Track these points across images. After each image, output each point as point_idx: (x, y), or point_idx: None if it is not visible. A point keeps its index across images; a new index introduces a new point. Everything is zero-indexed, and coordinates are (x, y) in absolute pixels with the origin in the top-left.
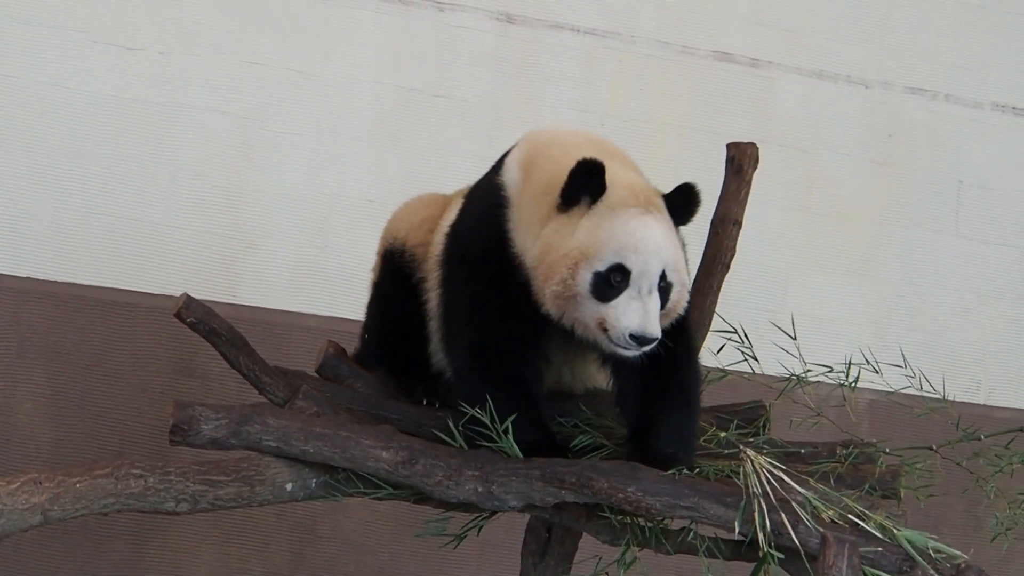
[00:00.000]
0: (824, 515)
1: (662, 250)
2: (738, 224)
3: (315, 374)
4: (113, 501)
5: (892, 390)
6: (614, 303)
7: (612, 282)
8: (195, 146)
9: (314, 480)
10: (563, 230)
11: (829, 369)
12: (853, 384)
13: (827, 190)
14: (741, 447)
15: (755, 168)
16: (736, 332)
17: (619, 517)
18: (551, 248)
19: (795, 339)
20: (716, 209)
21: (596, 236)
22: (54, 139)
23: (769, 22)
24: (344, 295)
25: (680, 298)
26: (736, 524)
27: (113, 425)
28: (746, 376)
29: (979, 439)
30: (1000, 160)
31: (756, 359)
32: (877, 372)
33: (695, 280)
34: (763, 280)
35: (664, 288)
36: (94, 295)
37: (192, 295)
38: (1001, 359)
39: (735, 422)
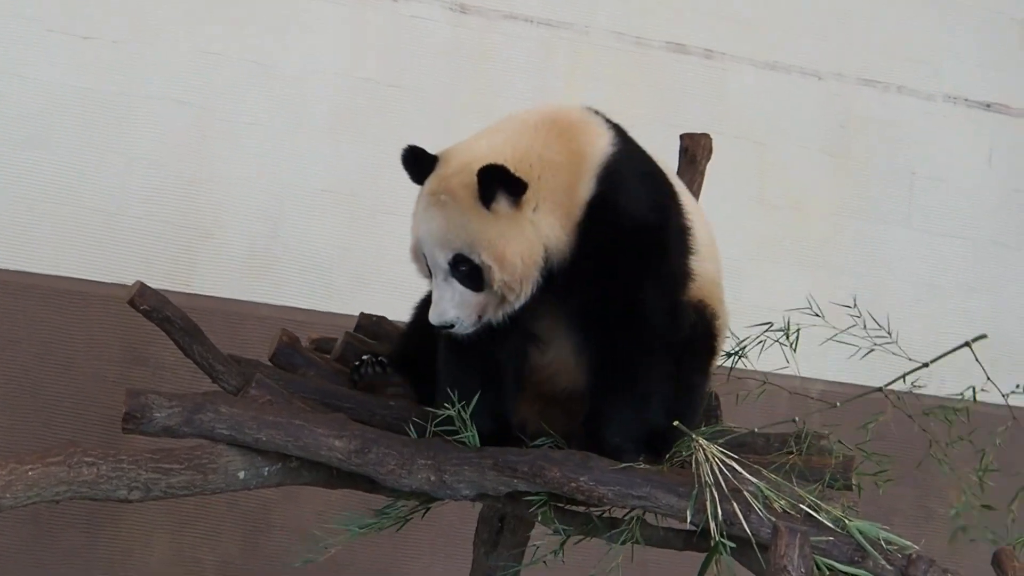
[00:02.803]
0: (776, 505)
1: (443, 239)
2: None
3: (269, 363)
4: (65, 489)
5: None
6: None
7: (426, 267)
8: (150, 135)
9: (267, 468)
10: None
11: (769, 325)
12: (795, 334)
13: (781, 181)
14: (693, 436)
15: (708, 159)
16: None
17: (570, 506)
18: None
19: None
20: None
21: (412, 224)
22: (7, 127)
23: (723, 13)
24: (298, 284)
25: (503, 276)
26: (688, 513)
27: (65, 413)
28: None
29: (926, 365)
30: (953, 152)
31: None
32: (820, 316)
33: None
34: None
35: (469, 271)
36: (47, 284)
37: (146, 284)
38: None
39: None
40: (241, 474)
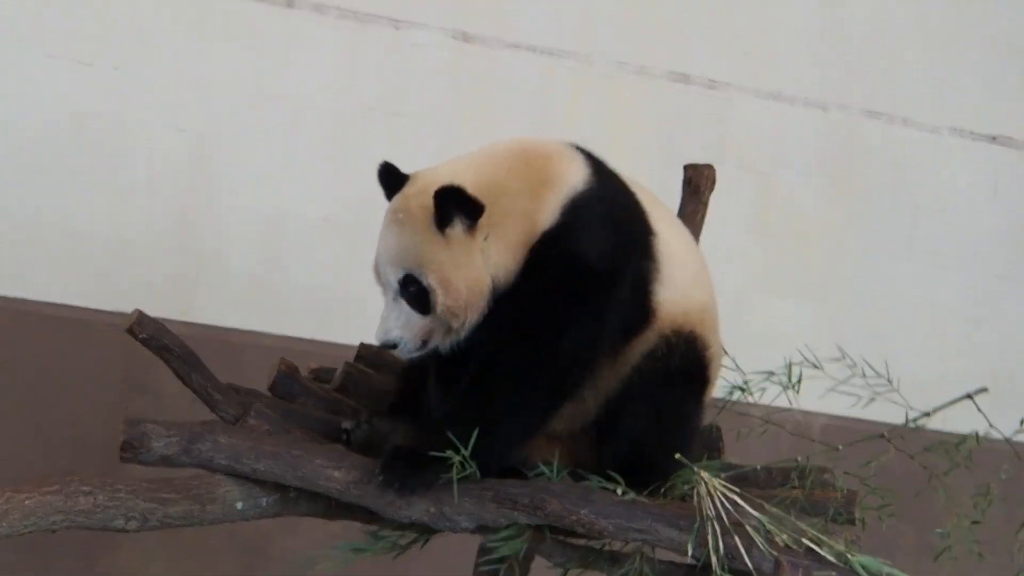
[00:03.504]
0: (778, 539)
1: (395, 257)
2: None
3: (267, 392)
4: (62, 518)
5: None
6: None
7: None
8: (149, 161)
9: (265, 499)
10: None
11: (771, 374)
12: (796, 385)
13: (783, 212)
14: (695, 469)
15: (712, 189)
16: None
17: (570, 539)
18: None
19: (726, 354)
20: None
21: None
22: (5, 152)
23: (727, 43)
24: (298, 313)
25: (447, 301)
26: (689, 547)
27: (63, 442)
28: None
29: (927, 415)
30: (956, 184)
31: None
32: (818, 367)
33: None
34: (720, 302)
35: (417, 293)
36: (44, 311)
37: (144, 312)
38: (956, 384)
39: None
40: (239, 504)
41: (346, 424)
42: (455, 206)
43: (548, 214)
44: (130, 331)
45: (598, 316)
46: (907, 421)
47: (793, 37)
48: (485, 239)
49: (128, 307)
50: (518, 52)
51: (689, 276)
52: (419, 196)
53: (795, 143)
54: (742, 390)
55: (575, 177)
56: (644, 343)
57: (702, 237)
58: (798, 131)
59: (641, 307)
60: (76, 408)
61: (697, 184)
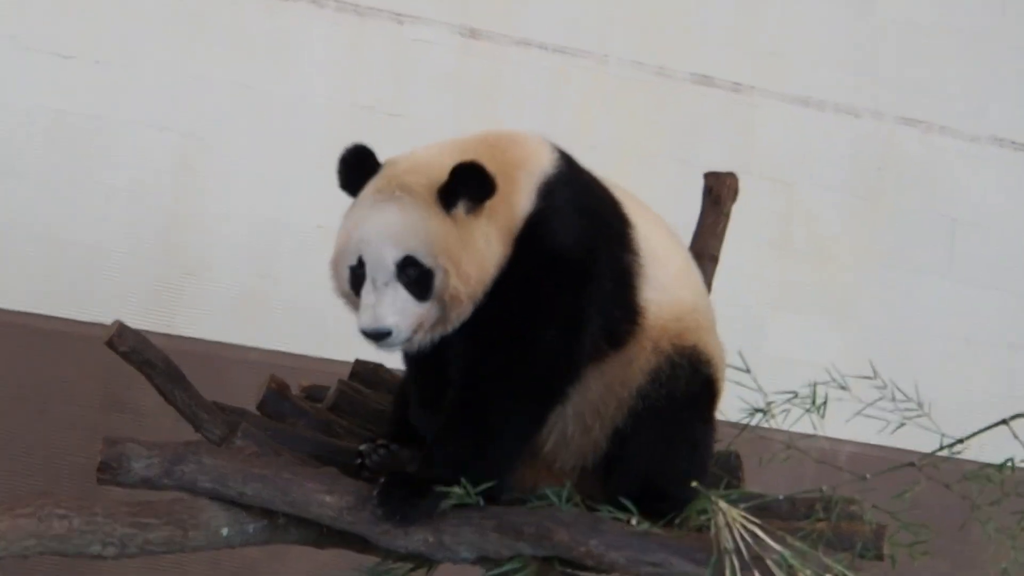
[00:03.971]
0: (801, 575)
1: (396, 235)
2: (715, 260)
3: (256, 411)
4: (35, 543)
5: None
6: (360, 298)
7: (358, 276)
8: (132, 164)
9: (252, 525)
10: None
11: (794, 395)
12: (821, 408)
13: (810, 226)
14: (713, 498)
15: (734, 200)
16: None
17: (578, 572)
18: None
19: (748, 371)
20: (692, 243)
21: (341, 230)
22: None
23: (752, 44)
24: (290, 327)
25: (458, 284)
26: None
27: (38, 461)
28: None
29: (960, 441)
30: (997, 197)
31: None
32: (845, 388)
33: None
34: (739, 320)
35: (418, 276)
36: (20, 321)
37: (125, 324)
38: (991, 412)
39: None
40: (224, 531)
41: (362, 447)
42: (473, 182)
43: (525, 197)
44: (109, 344)
45: (578, 307)
46: (941, 446)
47: (823, 38)
48: (486, 222)
49: (108, 318)
50: (528, 50)
51: (674, 274)
52: (413, 174)
53: (824, 152)
54: (763, 412)
55: (544, 160)
56: (643, 359)
57: (723, 251)
58: (827, 139)
59: (627, 305)
60: (51, 425)
61: (718, 194)
